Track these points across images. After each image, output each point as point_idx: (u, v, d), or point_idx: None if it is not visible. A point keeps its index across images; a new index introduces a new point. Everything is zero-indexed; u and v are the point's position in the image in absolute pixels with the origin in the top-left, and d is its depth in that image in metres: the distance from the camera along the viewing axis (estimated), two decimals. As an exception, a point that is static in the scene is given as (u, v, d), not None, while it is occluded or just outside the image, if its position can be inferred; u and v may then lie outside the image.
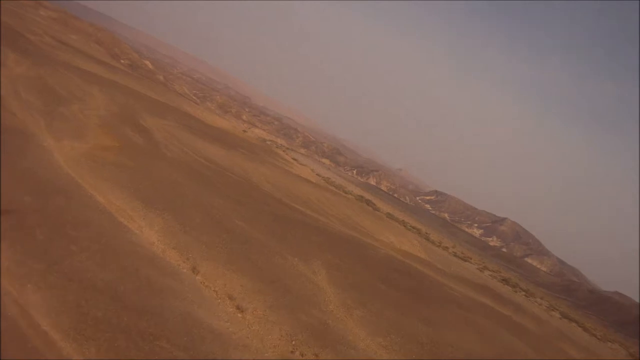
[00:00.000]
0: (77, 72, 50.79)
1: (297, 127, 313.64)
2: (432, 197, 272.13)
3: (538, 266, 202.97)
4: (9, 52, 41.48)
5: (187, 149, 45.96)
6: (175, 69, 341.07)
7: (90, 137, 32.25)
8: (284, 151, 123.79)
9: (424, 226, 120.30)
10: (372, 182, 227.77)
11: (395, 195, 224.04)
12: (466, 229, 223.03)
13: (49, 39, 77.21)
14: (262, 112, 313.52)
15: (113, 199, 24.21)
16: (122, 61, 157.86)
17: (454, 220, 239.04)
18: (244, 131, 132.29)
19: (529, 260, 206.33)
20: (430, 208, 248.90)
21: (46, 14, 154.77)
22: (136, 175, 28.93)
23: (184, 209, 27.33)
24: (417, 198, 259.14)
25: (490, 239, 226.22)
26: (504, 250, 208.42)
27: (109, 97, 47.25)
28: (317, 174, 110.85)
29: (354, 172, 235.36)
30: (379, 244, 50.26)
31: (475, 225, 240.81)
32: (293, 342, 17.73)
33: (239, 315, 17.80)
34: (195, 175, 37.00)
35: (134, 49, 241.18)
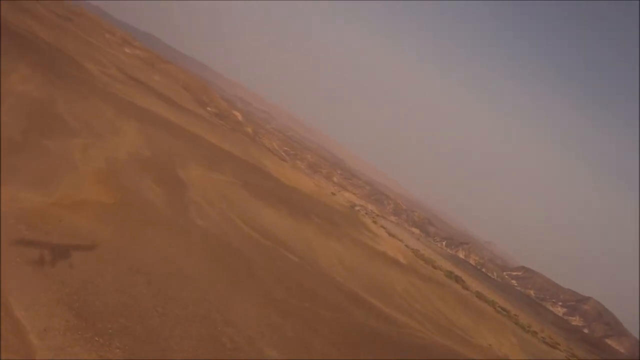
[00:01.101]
0: (117, 105, 42.19)
1: (389, 193, 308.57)
2: (519, 273, 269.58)
3: (617, 347, 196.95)
4: (21, 65, 33.02)
5: (234, 215, 34.59)
6: (270, 125, 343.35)
7: (67, 185, 21.51)
8: (373, 219, 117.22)
9: (512, 307, 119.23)
10: (461, 255, 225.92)
11: (483, 269, 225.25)
12: (550, 307, 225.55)
13: (116, 72, 71.69)
14: (354, 175, 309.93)
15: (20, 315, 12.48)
16: (209, 109, 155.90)
17: (539, 297, 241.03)
18: (333, 194, 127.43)
19: (609, 341, 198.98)
20: (516, 284, 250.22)
21: (132, 52, 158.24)
22: (104, 263, 17.37)
23: (168, 342, 15.17)
24: (504, 273, 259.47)
25: (573, 318, 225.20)
26: (586, 331, 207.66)
27: (145, 137, 37.61)
28: (405, 245, 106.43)
29: (444, 243, 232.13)
30: (479, 356, 36.89)
31: (560, 303, 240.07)
32: None
33: None
34: (227, 259, 25.32)
35: (225, 99, 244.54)
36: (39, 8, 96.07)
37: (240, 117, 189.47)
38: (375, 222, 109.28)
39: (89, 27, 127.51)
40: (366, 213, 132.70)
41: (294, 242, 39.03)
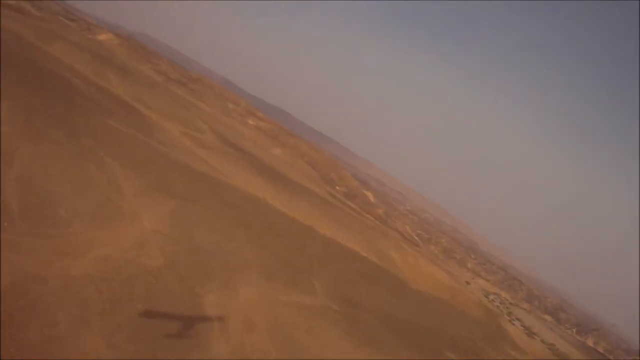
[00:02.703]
0: (165, 176, 29.84)
1: (521, 278, 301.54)
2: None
3: None
4: (51, 130, 21.55)
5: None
6: (403, 206, 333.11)
7: None
8: (511, 320, 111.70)
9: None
10: (590, 342, 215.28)
11: (611, 357, 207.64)
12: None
13: (211, 137, 62.03)
14: (487, 259, 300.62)
15: None
16: (337, 188, 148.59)
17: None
18: (467, 283, 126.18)
19: None
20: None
21: (255, 123, 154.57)
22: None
23: None
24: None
25: None
26: None
27: (178, 224, 24.14)
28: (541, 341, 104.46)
29: (574, 330, 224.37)
30: None
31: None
32: None
33: None
34: None
35: (357, 178, 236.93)
36: (143, 68, 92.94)
37: (371, 198, 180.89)
38: (515, 319, 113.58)
39: (207, 94, 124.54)
40: (501, 303, 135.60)
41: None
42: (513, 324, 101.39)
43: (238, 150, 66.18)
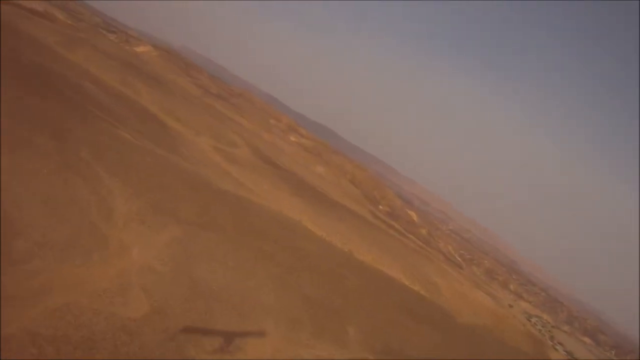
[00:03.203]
0: (176, 193, 25.28)
1: (561, 297, 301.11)
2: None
3: None
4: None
5: None
6: (446, 226, 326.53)
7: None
8: (553, 345, 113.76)
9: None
10: None
11: None
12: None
13: (246, 152, 57.77)
14: (528, 280, 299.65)
15: None
16: (381, 207, 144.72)
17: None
18: (510, 306, 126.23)
19: None
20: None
21: (297, 140, 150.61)
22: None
23: None
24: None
25: None
26: None
27: (179, 257, 19.42)
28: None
29: (613, 352, 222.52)
30: None
31: None
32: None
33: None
34: None
35: (401, 197, 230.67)
36: (181, 81, 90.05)
37: (415, 217, 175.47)
38: (557, 344, 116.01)
39: (248, 109, 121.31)
40: (543, 326, 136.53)
41: None
42: (556, 349, 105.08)
43: (274, 167, 61.73)
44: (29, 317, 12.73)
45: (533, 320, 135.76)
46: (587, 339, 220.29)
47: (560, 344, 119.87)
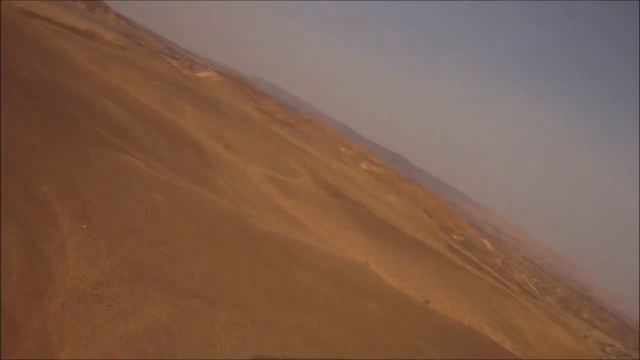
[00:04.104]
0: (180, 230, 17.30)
1: (628, 321, 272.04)
2: None
3: None
4: None
5: None
6: (518, 252, 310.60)
7: None
8: None
9: None
10: None
11: None
12: None
13: (306, 180, 50.08)
14: (599, 306, 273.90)
15: None
16: (455, 236, 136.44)
17: None
18: (585, 337, 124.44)
19: None
20: None
21: (368, 167, 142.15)
22: None
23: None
24: None
25: None
26: None
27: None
28: None
29: None
30: None
31: None
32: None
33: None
34: None
35: (473, 224, 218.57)
36: (244, 106, 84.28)
37: (489, 246, 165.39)
38: None
39: (317, 136, 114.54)
40: (616, 356, 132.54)
41: None
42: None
43: (339, 198, 53.54)
44: None
45: (607, 350, 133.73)
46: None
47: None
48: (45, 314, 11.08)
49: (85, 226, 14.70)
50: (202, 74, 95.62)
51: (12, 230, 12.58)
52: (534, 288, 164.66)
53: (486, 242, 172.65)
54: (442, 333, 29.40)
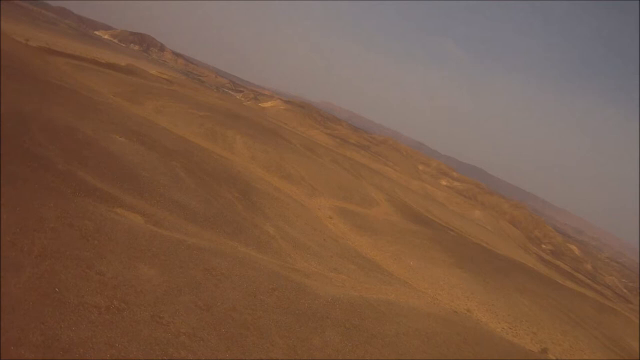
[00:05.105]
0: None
1: None
2: None
3: None
4: None
5: None
6: (602, 253, 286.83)
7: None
8: None
9: None
10: None
11: None
12: None
13: (393, 214, 40.94)
14: None
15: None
16: (543, 246, 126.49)
17: None
18: None
19: None
20: None
21: (449, 183, 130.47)
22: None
23: None
24: None
25: None
26: None
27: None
28: None
29: None
30: None
31: None
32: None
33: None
34: None
35: (559, 230, 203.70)
36: (313, 132, 76.42)
37: (577, 251, 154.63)
38: None
39: (393, 156, 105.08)
40: None
41: None
42: None
43: (425, 225, 43.76)
44: None
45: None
46: None
47: None
48: None
49: None
50: (267, 104, 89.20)
51: None
52: (625, 290, 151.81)
53: (573, 247, 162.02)
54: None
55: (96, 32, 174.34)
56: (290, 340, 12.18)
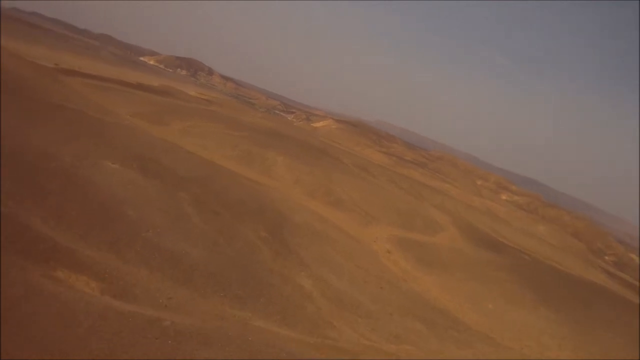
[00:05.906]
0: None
1: None
2: None
3: None
4: None
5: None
6: None
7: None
8: None
9: None
10: None
11: None
12: None
13: (460, 241, 33.83)
14: None
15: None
16: (607, 257, 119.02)
17: None
18: None
19: None
20: None
21: (509, 197, 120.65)
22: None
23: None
24: None
25: None
26: None
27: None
28: None
29: None
30: None
31: None
32: None
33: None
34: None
35: (621, 240, 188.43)
36: (367, 151, 69.90)
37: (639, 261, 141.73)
38: None
39: (450, 172, 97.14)
40: None
41: None
42: None
43: (495, 250, 36.23)
44: None
45: None
46: None
47: None
48: None
49: None
50: (319, 124, 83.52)
51: None
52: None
53: (633, 256, 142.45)
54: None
55: (141, 58, 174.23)
56: None
